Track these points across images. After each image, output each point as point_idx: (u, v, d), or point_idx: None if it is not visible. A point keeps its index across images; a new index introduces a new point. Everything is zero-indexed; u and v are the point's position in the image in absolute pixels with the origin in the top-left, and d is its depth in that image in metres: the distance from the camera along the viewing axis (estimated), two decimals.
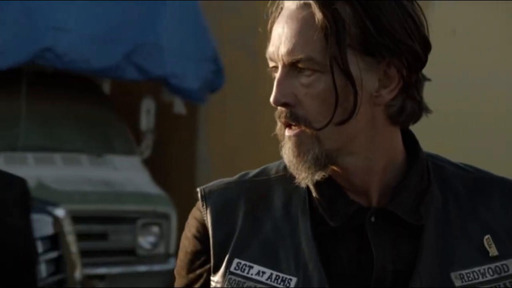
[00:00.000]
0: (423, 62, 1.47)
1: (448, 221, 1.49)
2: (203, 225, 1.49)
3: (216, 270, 1.48)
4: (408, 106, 1.47)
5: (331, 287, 1.44)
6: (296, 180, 1.46)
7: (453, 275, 1.46)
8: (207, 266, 1.49)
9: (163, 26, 6.99)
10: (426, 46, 1.46)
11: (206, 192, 1.51)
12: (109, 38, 6.78)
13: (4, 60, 6.52)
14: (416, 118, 1.49)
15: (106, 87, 7.39)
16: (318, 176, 1.45)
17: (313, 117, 1.43)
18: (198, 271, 1.50)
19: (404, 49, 1.44)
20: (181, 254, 1.52)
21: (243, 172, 1.55)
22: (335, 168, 1.46)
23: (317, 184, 1.47)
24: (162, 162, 7.63)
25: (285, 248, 1.46)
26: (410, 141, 1.51)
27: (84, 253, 5.67)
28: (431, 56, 1.49)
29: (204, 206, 1.50)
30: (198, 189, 1.53)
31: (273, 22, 1.48)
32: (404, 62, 1.44)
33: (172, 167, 7.97)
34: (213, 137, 8.13)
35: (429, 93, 1.57)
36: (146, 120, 7.26)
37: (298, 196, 1.48)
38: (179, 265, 1.53)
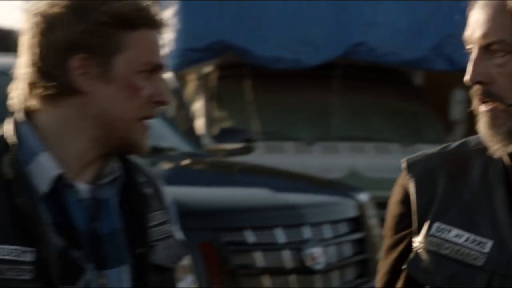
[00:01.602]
0: None
1: None
2: (407, 192, 1.67)
3: (418, 232, 1.65)
4: None
5: None
6: (489, 151, 1.61)
7: None
8: (410, 229, 1.67)
9: None
10: None
11: (410, 163, 1.70)
12: (417, 30, 6.93)
13: (318, 56, 6.92)
14: None
15: (418, 78, 7.55)
16: (510, 148, 1.59)
17: (505, 94, 1.57)
18: (402, 233, 1.68)
19: None
20: (388, 217, 1.72)
21: (445, 144, 1.71)
22: None
23: None
24: None
25: (482, 214, 1.60)
26: None
27: None
28: None
29: (409, 176, 1.68)
30: (402, 160, 1.72)
31: (471, 10, 1.64)
32: None
33: None
34: None
35: None
36: (457, 110, 7.34)
37: (495, 167, 1.62)
38: (386, 227, 1.72)
